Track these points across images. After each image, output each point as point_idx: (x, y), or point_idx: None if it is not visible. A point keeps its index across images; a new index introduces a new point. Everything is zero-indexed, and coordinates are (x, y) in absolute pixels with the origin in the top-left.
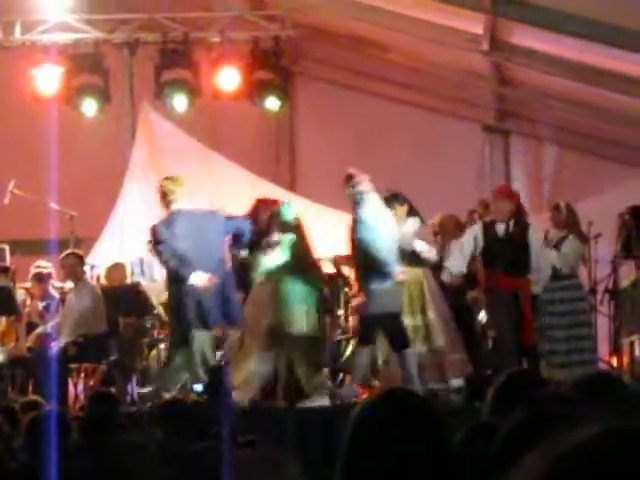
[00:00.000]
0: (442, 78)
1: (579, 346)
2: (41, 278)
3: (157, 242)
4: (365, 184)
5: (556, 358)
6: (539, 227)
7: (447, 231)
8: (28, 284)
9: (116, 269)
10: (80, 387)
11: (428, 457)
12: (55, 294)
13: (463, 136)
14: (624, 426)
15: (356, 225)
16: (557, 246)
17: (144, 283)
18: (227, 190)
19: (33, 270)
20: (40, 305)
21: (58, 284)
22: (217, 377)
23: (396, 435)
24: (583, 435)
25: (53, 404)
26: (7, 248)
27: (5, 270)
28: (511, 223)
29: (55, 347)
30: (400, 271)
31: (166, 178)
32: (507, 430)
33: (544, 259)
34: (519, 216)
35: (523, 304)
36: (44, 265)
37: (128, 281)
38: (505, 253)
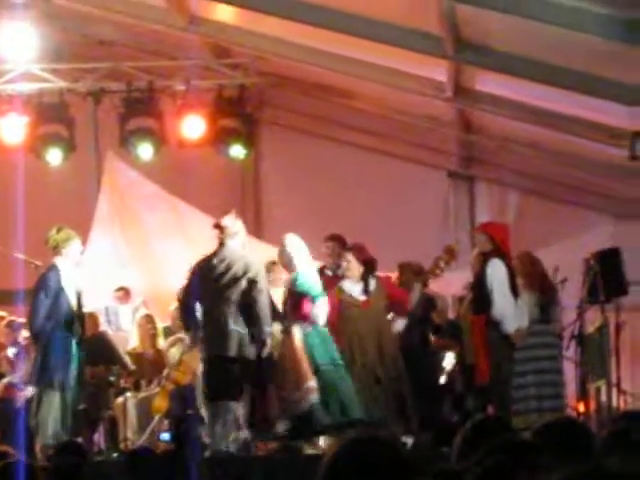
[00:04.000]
0: (407, 125)
1: (548, 392)
2: (13, 326)
3: None
4: None
5: (525, 405)
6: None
7: (407, 277)
8: None
9: (88, 318)
10: None
11: None
12: (23, 343)
13: (428, 182)
14: (584, 471)
15: None
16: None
17: (110, 332)
18: (194, 238)
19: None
20: (11, 352)
21: (26, 334)
22: (184, 426)
23: None
24: None
25: (20, 454)
26: None
27: None
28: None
29: (22, 397)
30: None
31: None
32: (472, 477)
33: (497, 296)
34: (489, 252)
35: (474, 342)
36: (2, 315)
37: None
38: (472, 289)
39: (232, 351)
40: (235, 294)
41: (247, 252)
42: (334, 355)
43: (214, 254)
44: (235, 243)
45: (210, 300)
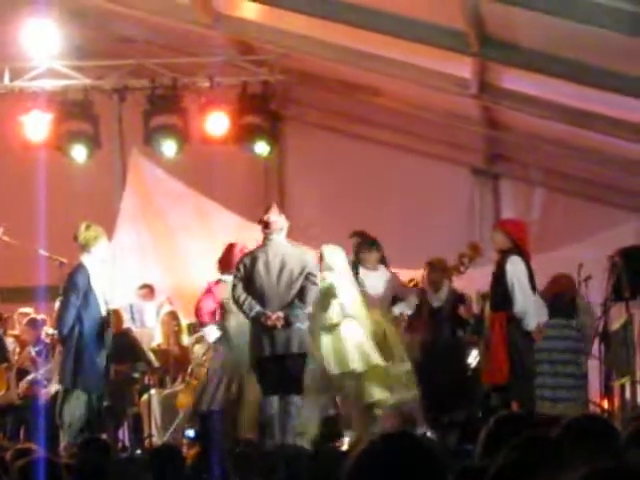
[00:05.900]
0: (431, 122)
1: (566, 383)
2: (35, 324)
3: None
4: None
5: (543, 392)
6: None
7: (437, 275)
8: (16, 331)
9: (113, 316)
10: None
11: None
12: (46, 340)
13: (453, 179)
14: (607, 468)
15: None
16: None
17: (135, 329)
18: (219, 236)
19: (16, 316)
20: (33, 351)
21: (50, 331)
22: (209, 423)
23: (395, 477)
24: (569, 478)
25: (44, 451)
26: None
27: None
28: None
29: (46, 394)
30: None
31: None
32: (494, 472)
33: (518, 293)
34: (507, 250)
35: (494, 339)
36: (28, 312)
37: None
38: (491, 286)
39: (294, 347)
40: (294, 289)
41: (296, 246)
42: None
43: (261, 250)
44: (281, 238)
45: (267, 296)
